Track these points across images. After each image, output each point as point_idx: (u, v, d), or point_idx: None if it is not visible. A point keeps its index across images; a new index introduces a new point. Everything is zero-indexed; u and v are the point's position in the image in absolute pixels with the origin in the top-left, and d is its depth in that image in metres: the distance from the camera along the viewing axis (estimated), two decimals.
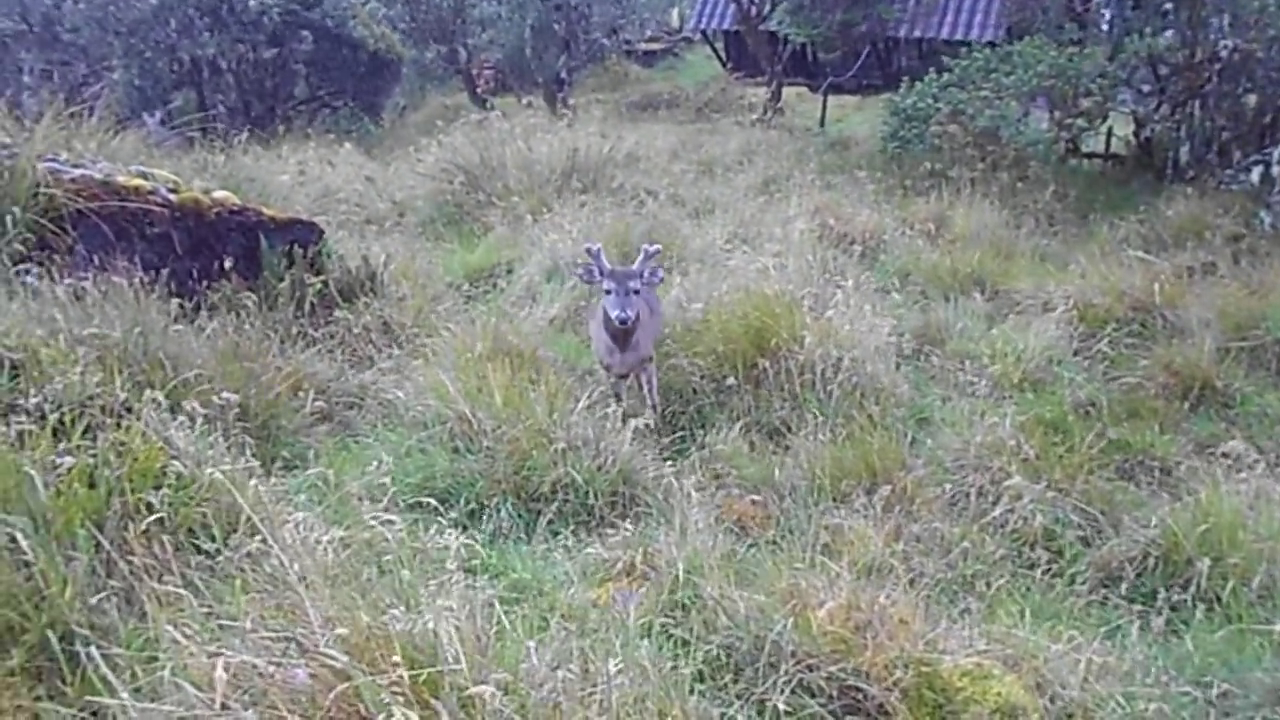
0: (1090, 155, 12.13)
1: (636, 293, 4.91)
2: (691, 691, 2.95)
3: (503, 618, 3.12)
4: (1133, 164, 11.70)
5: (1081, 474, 4.80)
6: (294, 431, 5.11)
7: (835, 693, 3.09)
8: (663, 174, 11.96)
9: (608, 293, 4.91)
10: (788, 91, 19.68)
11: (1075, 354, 6.39)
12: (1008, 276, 7.64)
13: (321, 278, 6.36)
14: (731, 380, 5.51)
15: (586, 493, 4.48)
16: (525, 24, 20.13)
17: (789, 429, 5.25)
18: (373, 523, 3.44)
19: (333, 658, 2.17)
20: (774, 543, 4.25)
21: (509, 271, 8.22)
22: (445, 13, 21.03)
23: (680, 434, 5.37)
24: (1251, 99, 10.66)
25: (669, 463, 4.92)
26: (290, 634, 2.32)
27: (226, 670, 2.19)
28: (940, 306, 7.01)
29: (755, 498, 4.60)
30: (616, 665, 2.64)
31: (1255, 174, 9.84)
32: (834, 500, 4.47)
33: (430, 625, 2.45)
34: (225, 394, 4.05)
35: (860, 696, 3.08)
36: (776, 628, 3.19)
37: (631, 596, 3.82)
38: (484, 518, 4.39)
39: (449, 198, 10.06)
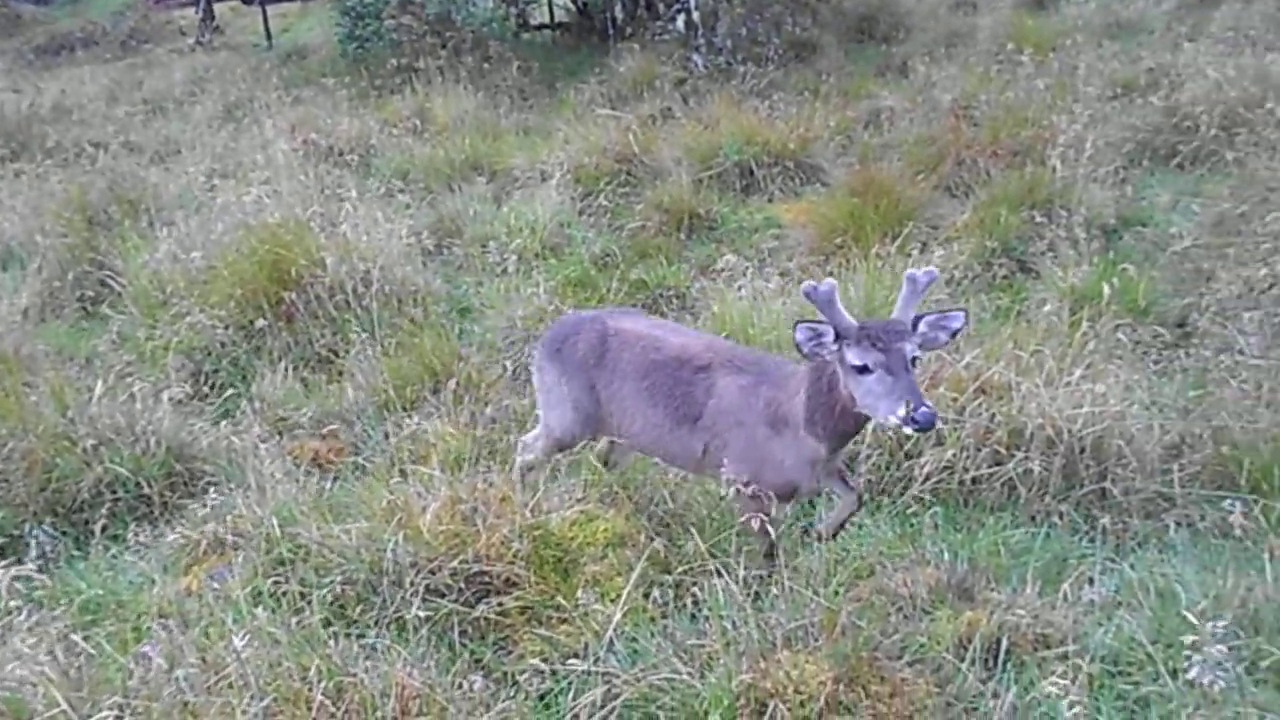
0: (540, 27, 12.71)
1: (915, 362, 2.84)
2: (332, 638, 2.83)
3: (83, 644, 2.76)
4: (578, 30, 12.47)
5: None
6: None
7: (463, 585, 3.14)
8: (105, 121, 10.68)
9: (862, 370, 2.79)
10: (220, 8, 18.13)
11: (581, 214, 6.84)
12: (501, 156, 7.89)
13: None
14: (261, 322, 5.17)
15: (138, 483, 4.02)
16: None
17: (336, 354, 5.08)
18: None
19: None
20: (359, 469, 4.17)
21: None
22: None
23: (223, 390, 4.97)
24: None
25: (219, 424, 4.57)
26: None
27: None
28: (448, 198, 7.09)
29: (326, 432, 4.43)
30: (241, 640, 2.45)
31: (680, 22, 11.00)
32: (404, 410, 4.44)
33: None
34: None
35: (487, 578, 3.17)
36: (388, 547, 3.15)
37: (225, 571, 3.55)
38: (22, 548, 3.77)
39: None
